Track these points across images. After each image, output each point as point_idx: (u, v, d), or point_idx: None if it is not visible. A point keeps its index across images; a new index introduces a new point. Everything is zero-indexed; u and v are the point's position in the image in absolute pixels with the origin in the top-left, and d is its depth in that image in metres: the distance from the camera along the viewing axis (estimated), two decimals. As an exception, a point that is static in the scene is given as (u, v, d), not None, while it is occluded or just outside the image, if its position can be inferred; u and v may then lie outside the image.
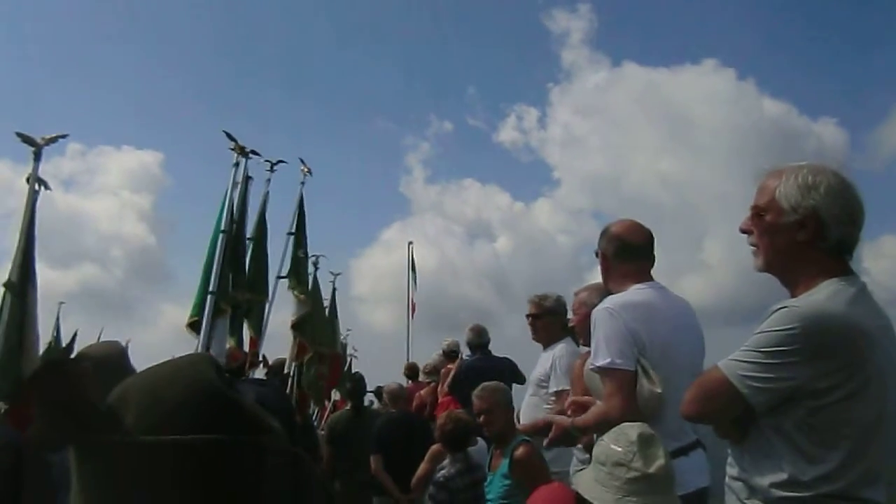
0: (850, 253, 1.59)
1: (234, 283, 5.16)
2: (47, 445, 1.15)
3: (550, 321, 3.87)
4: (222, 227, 4.94)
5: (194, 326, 4.70)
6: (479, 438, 3.96)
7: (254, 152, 5.39)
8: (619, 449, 1.66)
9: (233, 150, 5.19)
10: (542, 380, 3.75)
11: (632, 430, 1.71)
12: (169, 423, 0.65)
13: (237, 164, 5.20)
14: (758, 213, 1.65)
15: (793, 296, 1.59)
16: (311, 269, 7.42)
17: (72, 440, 0.71)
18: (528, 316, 3.92)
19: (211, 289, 4.70)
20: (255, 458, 0.68)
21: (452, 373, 5.62)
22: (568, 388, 3.54)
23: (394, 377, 8.02)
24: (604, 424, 2.13)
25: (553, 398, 3.65)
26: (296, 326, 6.52)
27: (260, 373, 5.96)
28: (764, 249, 1.65)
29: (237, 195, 5.29)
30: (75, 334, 9.34)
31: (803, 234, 1.57)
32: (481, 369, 5.09)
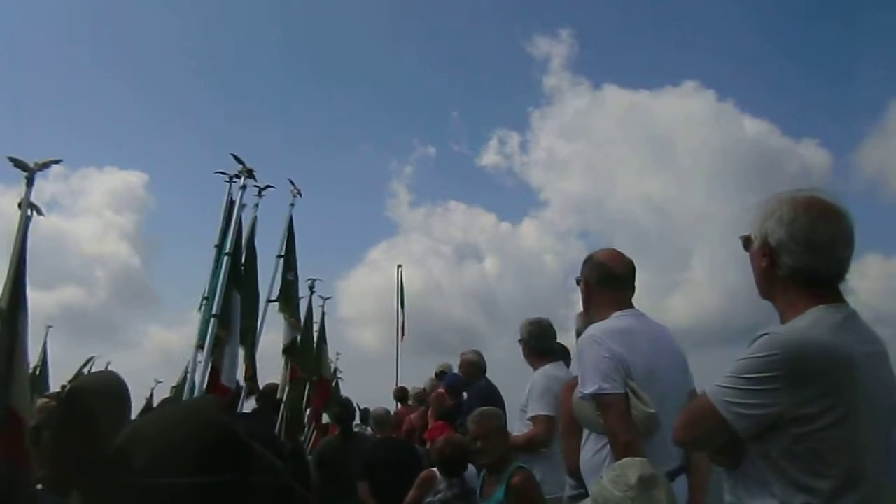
0: (824, 279, 1.59)
1: (243, 310, 5.14)
2: (58, 488, 1.16)
3: (524, 349, 3.95)
4: (226, 250, 4.93)
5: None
6: (467, 463, 3.97)
7: (251, 174, 5.43)
8: (618, 493, 1.62)
9: (241, 172, 5.23)
10: (523, 405, 3.79)
11: (633, 471, 1.65)
12: (179, 464, 0.66)
13: (244, 187, 5.24)
14: (745, 242, 1.72)
15: (782, 322, 1.61)
16: (306, 292, 7.39)
17: (82, 483, 0.73)
18: None
19: (214, 312, 4.68)
20: (258, 498, 0.70)
21: (472, 394, 5.29)
22: (543, 413, 3.60)
23: (382, 400, 7.97)
24: (613, 447, 2.20)
25: (529, 422, 3.69)
26: (287, 350, 6.47)
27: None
28: (754, 277, 1.70)
29: (246, 218, 5.33)
30: (90, 360, 9.18)
31: (765, 262, 1.63)
32: (496, 392, 5.06)
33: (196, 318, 4.99)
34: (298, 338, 6.71)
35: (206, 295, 4.99)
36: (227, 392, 4.82)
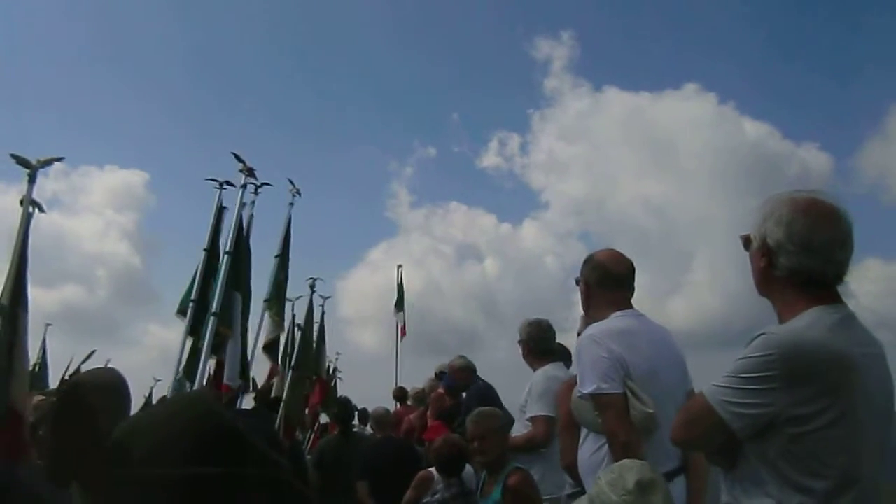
0: (822, 280, 1.59)
1: (243, 308, 5.15)
2: (58, 480, 1.17)
3: (524, 350, 3.96)
4: (226, 249, 4.95)
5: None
6: (465, 463, 3.97)
7: (251, 172, 5.46)
8: (615, 498, 1.63)
9: (241, 170, 5.28)
10: (522, 405, 3.80)
11: (631, 475, 1.66)
12: (175, 456, 0.67)
13: (245, 185, 5.29)
14: (745, 242, 1.73)
15: (780, 323, 1.61)
16: (306, 291, 7.43)
17: (81, 475, 0.73)
18: None
19: (214, 310, 4.69)
20: (253, 490, 0.71)
21: (470, 394, 5.36)
22: (542, 413, 3.61)
23: (381, 399, 7.97)
24: (612, 447, 2.20)
25: (529, 422, 3.70)
26: (267, 348, 6.51)
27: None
28: (753, 277, 1.71)
29: (245, 216, 5.35)
30: (90, 354, 9.14)
31: (763, 262, 1.64)
32: (494, 392, 5.10)
33: (178, 319, 5.01)
34: (282, 337, 6.75)
35: (193, 297, 5.02)
36: (229, 390, 4.84)
